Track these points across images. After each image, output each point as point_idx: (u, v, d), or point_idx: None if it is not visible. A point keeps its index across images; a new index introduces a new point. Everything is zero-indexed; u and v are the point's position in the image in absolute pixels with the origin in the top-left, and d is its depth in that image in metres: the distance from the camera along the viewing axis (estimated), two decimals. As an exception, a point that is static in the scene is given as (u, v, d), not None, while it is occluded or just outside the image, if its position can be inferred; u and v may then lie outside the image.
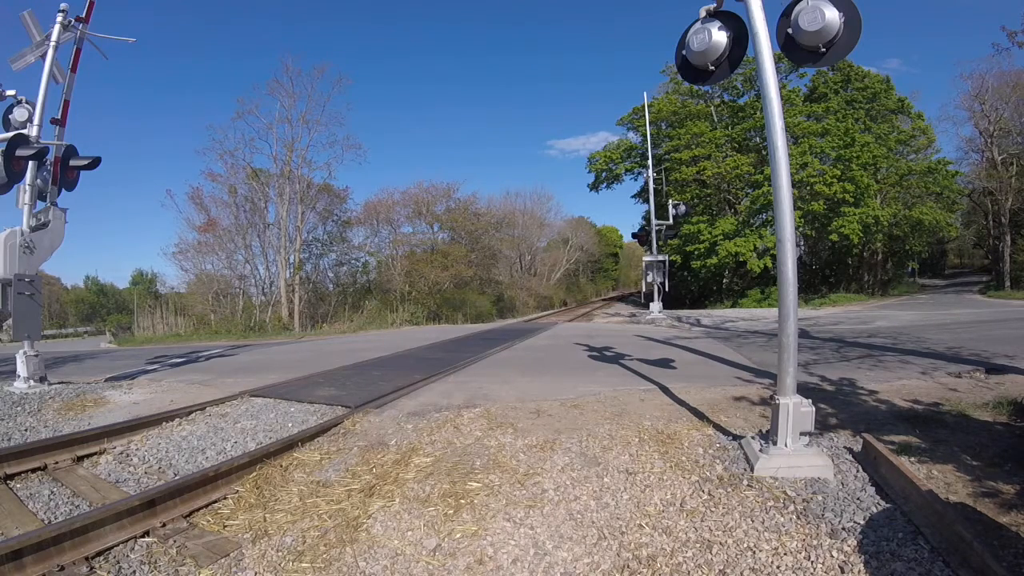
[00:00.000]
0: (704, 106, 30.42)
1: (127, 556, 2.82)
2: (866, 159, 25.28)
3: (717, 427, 4.26)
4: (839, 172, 24.80)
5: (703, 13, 3.77)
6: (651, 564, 2.51)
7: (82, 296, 40.36)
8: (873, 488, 3.00)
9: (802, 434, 3.29)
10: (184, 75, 77.19)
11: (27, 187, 6.74)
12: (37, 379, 6.85)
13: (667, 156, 29.59)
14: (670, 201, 20.61)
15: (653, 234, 18.59)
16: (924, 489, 2.65)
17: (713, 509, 2.92)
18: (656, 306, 18.37)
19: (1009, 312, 14.74)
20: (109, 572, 2.67)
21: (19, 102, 6.88)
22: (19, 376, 6.78)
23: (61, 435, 4.79)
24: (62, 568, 2.61)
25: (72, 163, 7.08)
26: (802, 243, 29.73)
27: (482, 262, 30.91)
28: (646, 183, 22.77)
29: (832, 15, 3.28)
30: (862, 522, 2.64)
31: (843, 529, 2.60)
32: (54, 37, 7.05)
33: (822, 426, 4.05)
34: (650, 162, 20.92)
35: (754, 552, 2.50)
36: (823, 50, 3.42)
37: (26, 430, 5.31)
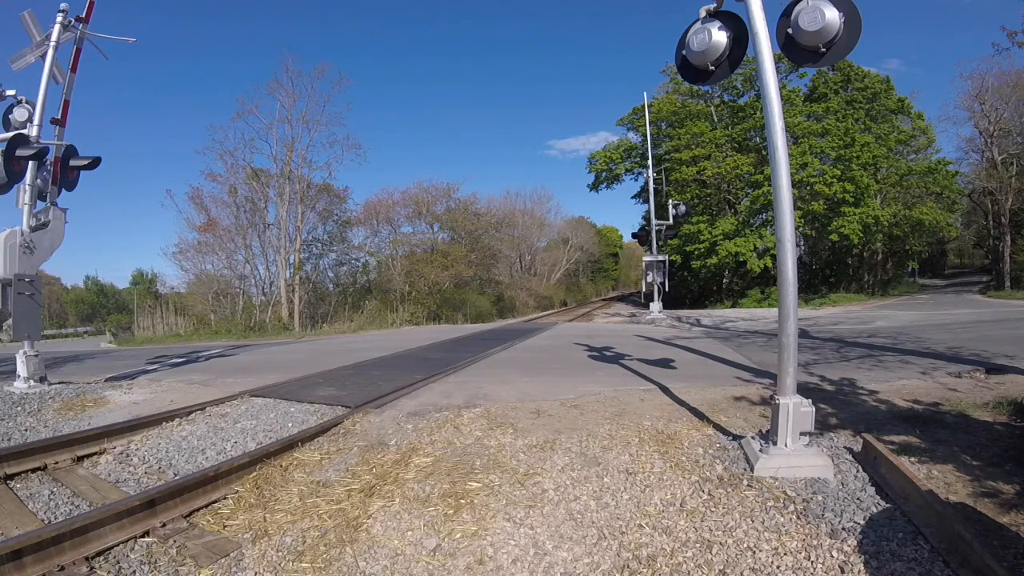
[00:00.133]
0: (704, 106, 30.42)
1: (127, 556, 2.82)
2: (866, 159, 25.28)
3: (717, 427, 4.26)
4: (839, 172, 24.80)
5: (703, 13, 3.77)
6: (651, 564, 2.51)
7: (82, 296, 40.41)
8: (873, 488, 3.00)
9: (802, 434, 3.29)
10: (184, 75, 77.32)
11: (27, 187, 6.74)
12: (37, 379, 6.85)
13: (667, 156, 29.59)
14: (670, 201, 20.61)
15: (653, 234, 18.60)
16: (924, 489, 2.65)
17: (713, 509, 2.92)
18: (656, 306, 18.38)
19: (1009, 312, 14.74)
20: (109, 572, 2.67)
21: (19, 102, 6.88)
22: (19, 376, 6.78)
23: (61, 435, 4.79)
24: (62, 568, 2.61)
25: (72, 163, 7.09)
26: (802, 243, 29.73)
27: (482, 262, 30.91)
28: (646, 183, 22.77)
29: (832, 15, 3.28)
30: (862, 522, 2.64)
31: (843, 529, 2.60)
32: (54, 37, 7.05)
33: (822, 426, 4.05)
34: (650, 162, 20.93)
35: (754, 552, 2.50)
36: (823, 50, 3.41)
37: (26, 430, 5.31)
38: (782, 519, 2.74)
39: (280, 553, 2.82)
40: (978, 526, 2.55)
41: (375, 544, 2.84)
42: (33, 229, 6.79)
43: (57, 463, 4.20)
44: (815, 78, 29.10)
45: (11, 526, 3.13)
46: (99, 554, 2.78)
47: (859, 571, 2.29)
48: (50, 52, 7.03)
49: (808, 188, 24.94)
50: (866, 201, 25.53)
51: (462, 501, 3.21)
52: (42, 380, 6.92)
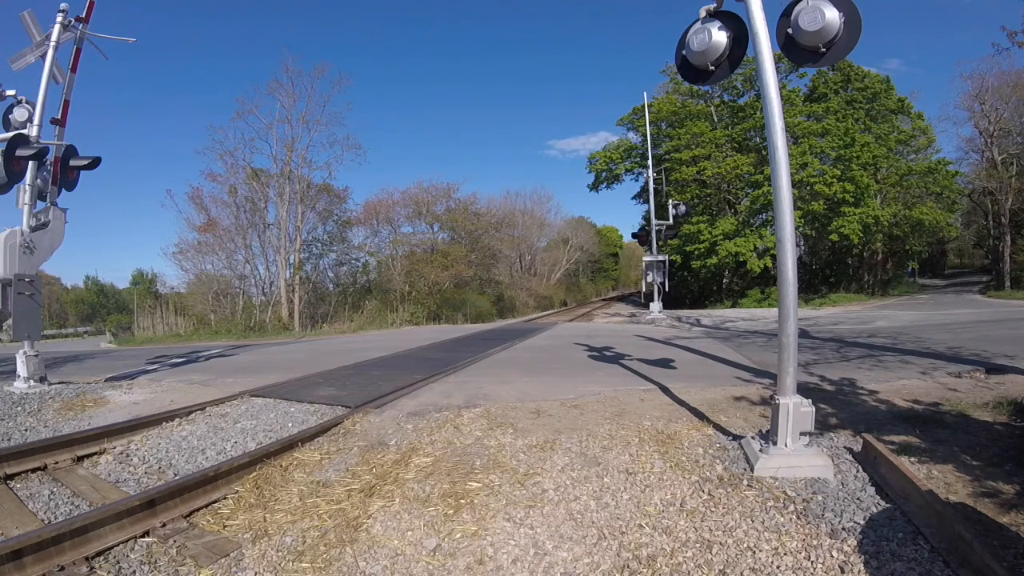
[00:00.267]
0: (704, 106, 30.42)
1: (127, 556, 2.82)
2: (866, 159, 25.28)
3: (717, 427, 4.26)
4: (839, 172, 24.79)
5: (703, 13, 3.77)
6: (651, 564, 2.51)
7: (82, 296, 40.41)
8: (873, 488, 3.00)
9: (802, 434, 3.29)
10: (184, 75, 77.32)
11: (27, 187, 6.74)
12: (37, 379, 6.85)
13: (667, 156, 29.59)
14: (670, 201, 20.61)
15: (653, 234, 18.60)
16: (924, 489, 2.65)
17: (713, 509, 2.92)
18: (656, 306, 18.38)
19: (1009, 312, 14.74)
20: (109, 572, 2.67)
21: (19, 102, 6.88)
22: (19, 376, 6.78)
23: (61, 435, 4.79)
24: (62, 568, 2.61)
25: (72, 163, 7.09)
26: (802, 243, 29.73)
27: (482, 262, 30.90)
28: (646, 183, 22.77)
29: (832, 15, 3.28)
30: (862, 522, 2.64)
31: (843, 529, 2.60)
32: (54, 37, 7.05)
33: (822, 426, 4.05)
34: (650, 162, 20.93)
35: (754, 552, 2.50)
36: (823, 50, 3.41)
37: (26, 430, 5.31)
38: (782, 519, 2.74)
39: (280, 553, 2.82)
40: (978, 526, 2.55)
41: (375, 544, 2.84)
42: (33, 229, 6.80)
43: (57, 463, 4.20)
44: (815, 78, 29.10)
45: (11, 526, 3.13)
46: (99, 554, 2.78)
47: (859, 571, 2.29)
48: (50, 52, 7.03)
49: (808, 188, 24.94)
50: (866, 201, 25.53)
51: (462, 501, 3.21)
52: (42, 380, 6.92)
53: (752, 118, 27.34)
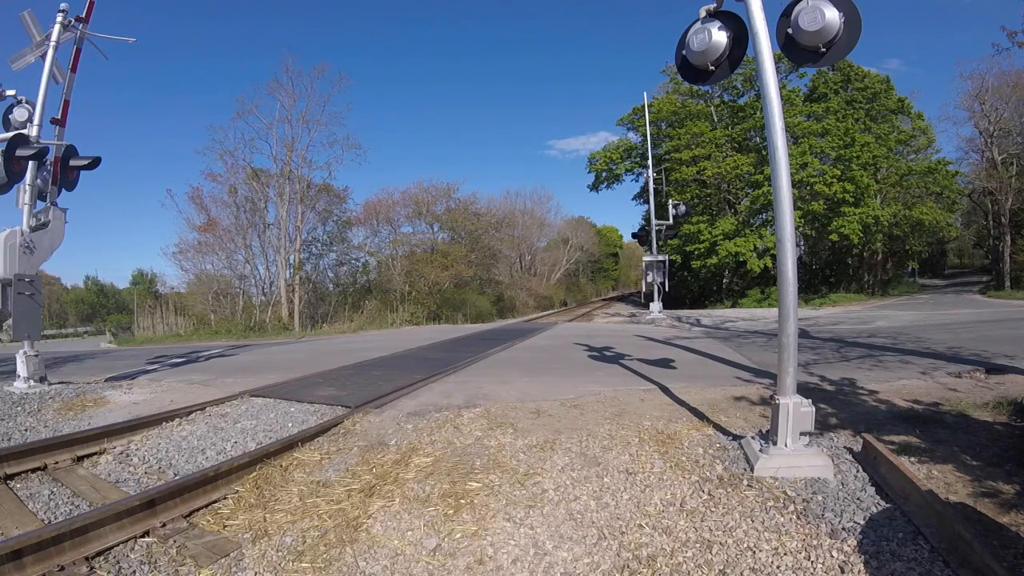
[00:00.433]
0: (704, 106, 30.41)
1: (127, 556, 2.82)
2: (866, 159, 25.28)
3: (717, 427, 4.26)
4: (839, 172, 24.80)
5: (703, 13, 3.77)
6: (651, 564, 2.51)
7: (82, 296, 40.40)
8: (873, 488, 3.00)
9: (802, 434, 3.29)
10: (184, 75, 77.32)
11: (27, 187, 6.74)
12: (37, 379, 6.85)
13: (667, 156, 29.59)
14: (670, 201, 20.60)
15: (653, 234, 18.60)
16: (924, 489, 2.65)
17: (713, 509, 2.92)
18: (656, 306, 18.38)
19: (1009, 312, 14.74)
20: (109, 572, 2.67)
21: (19, 102, 6.88)
22: (19, 376, 6.78)
23: (61, 435, 4.79)
24: (62, 568, 2.61)
25: (72, 163, 7.09)
26: (802, 243, 29.72)
27: (482, 262, 30.90)
28: (646, 183, 22.77)
29: (832, 15, 3.28)
30: (862, 522, 2.64)
31: (843, 529, 2.60)
32: (54, 37, 7.05)
33: (822, 426, 4.05)
34: (650, 162, 20.93)
35: (754, 552, 2.50)
36: (823, 50, 3.41)
37: (26, 430, 5.31)
38: (782, 519, 2.74)
39: (280, 553, 2.82)
40: (978, 526, 2.55)
41: (375, 544, 2.84)
42: (33, 229, 6.80)
43: (57, 463, 4.20)
44: (815, 78, 29.10)
45: (11, 526, 3.13)
46: (99, 554, 2.78)
47: (859, 571, 2.29)
48: (50, 52, 7.03)
49: (808, 188, 24.94)
50: (866, 201, 25.53)
51: (462, 501, 3.21)
52: (42, 380, 6.93)
53: (752, 118, 27.34)
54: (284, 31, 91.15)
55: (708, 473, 3.36)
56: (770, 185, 3.54)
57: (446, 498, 3.26)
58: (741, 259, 26.12)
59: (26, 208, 6.76)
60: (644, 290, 22.81)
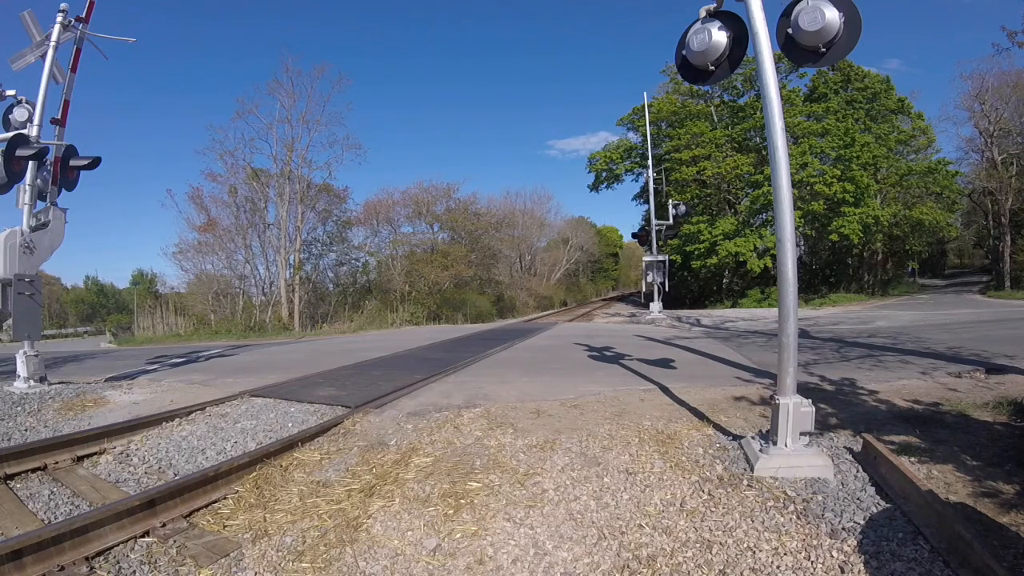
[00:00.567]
0: (704, 106, 30.41)
1: (127, 556, 2.82)
2: (866, 159, 25.28)
3: (717, 427, 4.26)
4: (839, 172, 24.79)
5: (703, 13, 3.77)
6: (651, 564, 2.51)
7: (82, 296, 40.40)
8: (873, 488, 3.00)
9: (802, 434, 3.29)
10: (184, 75, 77.33)
11: (27, 187, 6.74)
12: (37, 379, 6.85)
13: (667, 156, 29.58)
14: (670, 201, 20.60)
15: (653, 234, 18.59)
16: (924, 489, 2.65)
17: (713, 509, 2.92)
18: (656, 306, 18.38)
19: (1009, 312, 14.74)
20: (109, 572, 2.67)
21: (19, 102, 6.87)
22: (19, 376, 6.78)
23: (61, 435, 4.79)
24: (62, 568, 2.61)
25: (72, 163, 7.08)
26: (802, 243, 29.73)
27: (482, 262, 30.90)
28: (646, 183, 22.77)
29: (832, 15, 3.28)
30: (862, 522, 2.64)
31: (843, 529, 2.60)
32: (54, 37, 7.05)
33: (822, 426, 4.05)
34: (650, 162, 20.93)
35: (754, 552, 2.50)
36: (823, 50, 3.41)
37: (26, 430, 5.31)
38: (782, 519, 2.74)
39: (280, 553, 2.82)
40: (978, 526, 2.55)
41: (375, 544, 2.84)
42: (33, 229, 6.79)
43: (57, 463, 4.20)
44: (815, 78, 29.10)
45: (11, 526, 3.13)
46: (99, 554, 2.78)
47: (859, 571, 2.29)
48: (50, 52, 7.03)
49: (808, 188, 24.94)
50: (866, 201, 25.53)
51: (462, 501, 3.21)
52: (42, 380, 6.92)
53: (752, 118, 27.34)
54: (284, 31, 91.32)
55: (708, 473, 3.36)
56: (770, 185, 3.54)
57: (446, 498, 3.26)
58: (741, 259, 26.12)
59: (26, 208, 6.76)
60: (644, 290, 22.83)
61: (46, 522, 3.22)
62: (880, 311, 17.92)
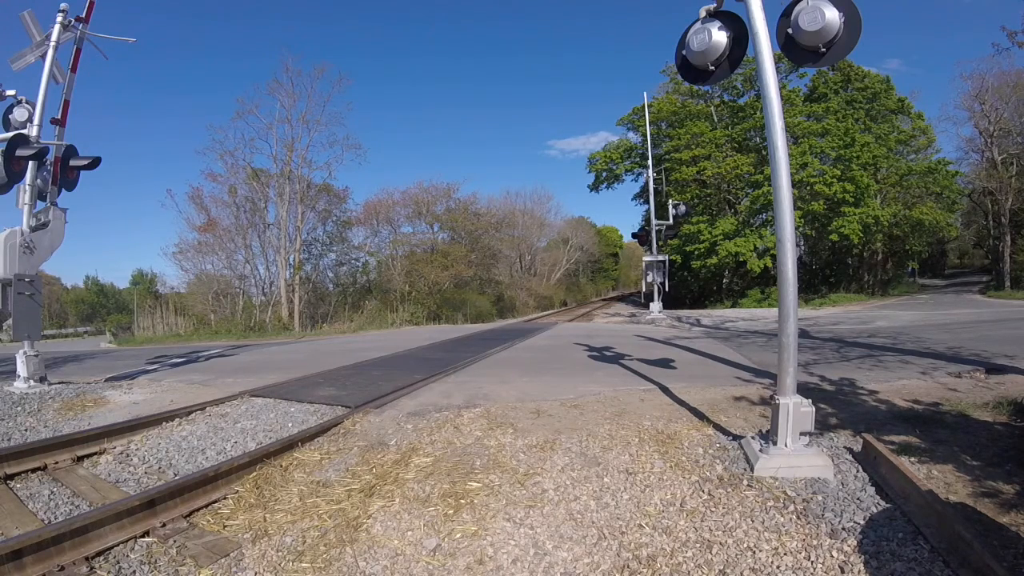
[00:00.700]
0: (704, 106, 30.42)
1: (127, 556, 2.82)
2: (866, 159, 25.28)
3: (717, 427, 4.26)
4: (839, 172, 24.79)
5: (703, 13, 3.77)
6: (651, 564, 2.51)
7: (82, 296, 40.42)
8: (873, 488, 3.00)
9: (802, 434, 3.29)
10: (184, 75, 77.35)
11: (27, 187, 6.74)
12: (37, 379, 6.85)
13: (667, 156, 29.59)
14: (670, 201, 20.60)
15: (653, 234, 18.59)
16: (924, 489, 2.65)
17: (713, 509, 2.92)
18: (656, 306, 18.38)
19: (1009, 312, 14.74)
20: (109, 572, 2.67)
21: (19, 102, 6.87)
22: (19, 376, 6.78)
23: (61, 435, 4.79)
24: (62, 568, 2.61)
25: (72, 163, 7.08)
26: (802, 243, 29.73)
27: (482, 262, 30.90)
28: (646, 183, 22.78)
29: (832, 15, 3.28)
30: (862, 522, 2.64)
31: (843, 529, 2.60)
32: (54, 37, 7.05)
33: (822, 426, 4.05)
34: (650, 162, 20.93)
35: (754, 552, 2.50)
36: (823, 50, 3.41)
37: (26, 430, 5.31)
38: (782, 519, 2.74)
39: (280, 553, 2.82)
40: (978, 526, 2.55)
41: (375, 544, 2.84)
42: (33, 229, 6.79)
43: (57, 463, 4.20)
44: (815, 78, 29.10)
45: (11, 526, 3.13)
46: (99, 554, 2.78)
47: (859, 571, 2.29)
48: (50, 52, 7.02)
49: (808, 188, 24.94)
50: (866, 201, 25.53)
51: (462, 501, 3.21)
52: (42, 380, 6.92)
53: (752, 118, 27.34)
54: (284, 31, 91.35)
55: (708, 473, 3.36)
56: (770, 185, 3.54)
57: (446, 498, 3.26)
58: (741, 259, 26.12)
59: (26, 208, 6.76)
60: (644, 290, 22.83)
61: (46, 522, 3.22)
62: (880, 311, 17.92)
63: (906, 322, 12.98)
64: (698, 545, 2.61)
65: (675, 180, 28.67)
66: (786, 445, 3.29)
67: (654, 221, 18.86)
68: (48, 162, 6.95)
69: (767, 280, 26.80)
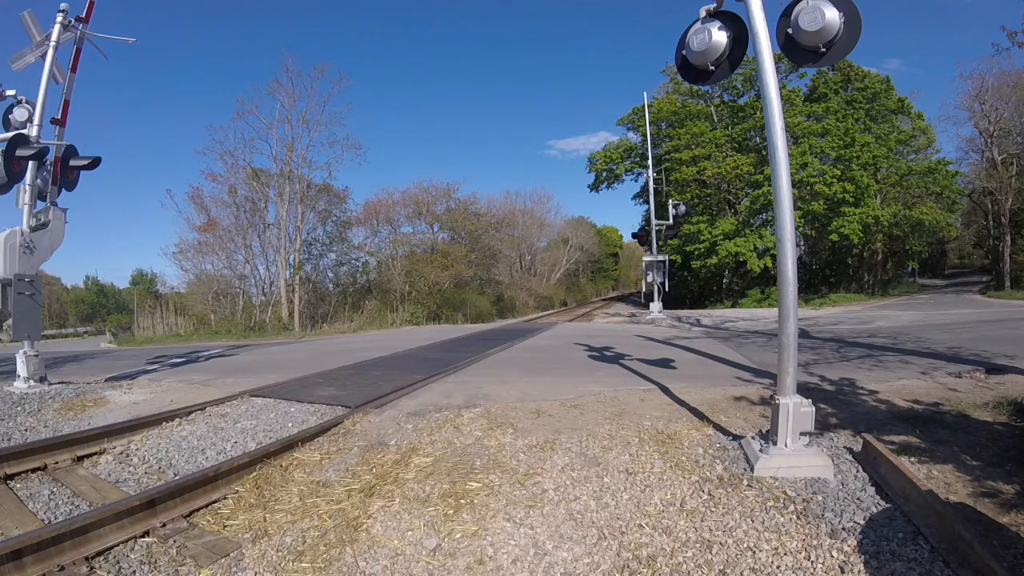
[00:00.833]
0: (704, 106, 30.42)
1: (127, 556, 2.82)
2: (866, 159, 25.28)
3: (717, 427, 4.26)
4: (839, 172, 24.80)
5: (703, 13, 3.77)
6: (651, 564, 2.51)
7: (82, 296, 40.42)
8: (873, 488, 3.00)
9: (802, 434, 3.29)
10: (184, 75, 77.36)
11: (27, 187, 6.74)
12: (37, 379, 6.85)
13: (667, 156, 29.59)
14: (670, 201, 20.60)
15: (653, 234, 18.59)
16: (924, 489, 2.65)
17: (713, 509, 2.92)
18: (656, 306, 18.38)
19: (1009, 312, 14.74)
20: (109, 572, 2.67)
21: (19, 102, 6.87)
22: (19, 376, 6.78)
23: (61, 435, 4.79)
24: (62, 568, 2.61)
25: (72, 163, 7.08)
26: (802, 243, 29.73)
27: (482, 262, 30.91)
28: (646, 183, 22.78)
29: (832, 15, 3.28)
30: (862, 522, 2.64)
31: (843, 529, 2.60)
32: (54, 37, 7.05)
33: (822, 426, 4.05)
34: (650, 162, 20.93)
35: (754, 552, 2.50)
36: (823, 50, 3.41)
37: (26, 430, 5.31)
38: (782, 519, 2.74)
39: (280, 553, 2.82)
40: (978, 526, 2.55)
41: (375, 544, 2.84)
42: (33, 229, 6.79)
43: (57, 463, 4.20)
44: (815, 78, 29.11)
45: (11, 526, 3.13)
46: (99, 554, 2.78)
47: (859, 571, 2.29)
48: (50, 52, 7.02)
49: (808, 188, 24.94)
50: (866, 201, 25.53)
51: (462, 501, 3.21)
52: (42, 380, 6.92)
53: (752, 118, 27.33)
54: (284, 31, 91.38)
55: (708, 473, 3.36)
56: (770, 185, 3.54)
57: (446, 498, 3.26)
58: (741, 259, 26.12)
59: (26, 208, 6.76)
60: (644, 290, 22.83)
61: (46, 522, 3.22)
62: (880, 311, 17.92)
63: (906, 322, 12.98)
64: (698, 545, 2.61)
65: (675, 180, 28.67)
66: (786, 445, 3.29)
67: (654, 221, 18.86)
68: (48, 162, 6.95)
69: (767, 280, 26.80)
